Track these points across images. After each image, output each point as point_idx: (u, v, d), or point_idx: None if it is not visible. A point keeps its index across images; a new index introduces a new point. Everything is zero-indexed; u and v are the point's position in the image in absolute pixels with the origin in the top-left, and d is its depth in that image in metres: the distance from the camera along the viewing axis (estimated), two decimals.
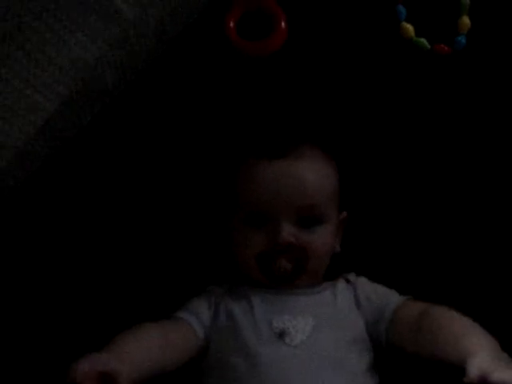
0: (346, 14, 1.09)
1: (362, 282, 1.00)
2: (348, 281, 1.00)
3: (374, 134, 1.09)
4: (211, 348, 0.94)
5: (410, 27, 1.08)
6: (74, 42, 0.90)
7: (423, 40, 1.08)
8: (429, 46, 1.08)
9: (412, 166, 1.09)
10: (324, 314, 0.93)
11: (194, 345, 0.93)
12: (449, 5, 1.08)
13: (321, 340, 0.90)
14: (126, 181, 1.08)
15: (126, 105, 1.07)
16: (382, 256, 1.06)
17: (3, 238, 1.04)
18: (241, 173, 0.98)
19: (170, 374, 0.92)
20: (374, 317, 0.95)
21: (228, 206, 1.00)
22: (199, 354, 0.94)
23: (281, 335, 0.90)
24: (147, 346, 0.86)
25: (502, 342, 0.83)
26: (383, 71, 1.10)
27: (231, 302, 0.95)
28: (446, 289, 1.05)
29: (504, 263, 1.06)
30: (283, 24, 1.09)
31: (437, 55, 1.08)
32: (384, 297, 0.96)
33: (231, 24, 1.09)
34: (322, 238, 0.96)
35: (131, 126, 1.09)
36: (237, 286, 0.98)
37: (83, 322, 1.03)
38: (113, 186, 1.08)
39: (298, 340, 0.90)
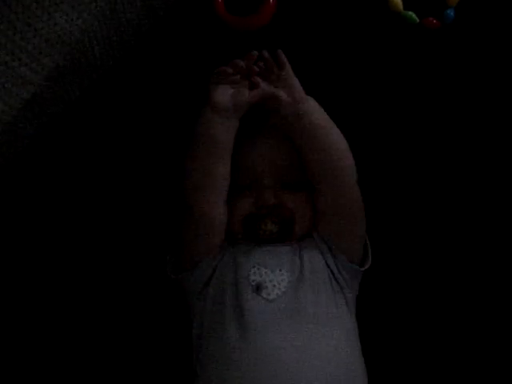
0: None
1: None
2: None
3: (362, 109, 1.09)
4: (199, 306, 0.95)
5: (398, 0, 1.08)
6: (59, 15, 0.89)
7: (412, 13, 1.08)
8: (417, 20, 1.08)
9: (398, 139, 1.09)
10: (300, 268, 0.94)
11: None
12: None
13: (297, 294, 0.92)
14: (116, 158, 1.08)
15: (115, 80, 1.07)
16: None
17: None
18: None
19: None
20: None
21: None
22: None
23: (258, 288, 0.91)
24: None
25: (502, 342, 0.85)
26: (372, 45, 1.09)
27: (221, 265, 0.96)
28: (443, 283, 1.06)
29: (502, 257, 1.07)
30: None
31: (426, 28, 1.08)
32: None
33: None
34: (306, 201, 0.97)
35: (120, 102, 1.08)
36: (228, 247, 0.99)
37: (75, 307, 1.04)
38: (102, 164, 1.08)
39: (275, 294, 0.91)
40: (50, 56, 0.91)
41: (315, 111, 0.95)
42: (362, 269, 0.98)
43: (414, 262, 1.07)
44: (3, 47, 0.87)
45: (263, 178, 0.96)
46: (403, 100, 1.10)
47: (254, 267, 0.93)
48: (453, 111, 1.10)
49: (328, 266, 0.95)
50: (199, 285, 0.96)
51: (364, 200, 1.05)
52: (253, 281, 0.92)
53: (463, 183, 1.09)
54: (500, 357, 1.03)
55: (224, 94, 0.93)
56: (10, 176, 1.04)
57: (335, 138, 0.95)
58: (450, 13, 1.08)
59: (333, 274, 0.95)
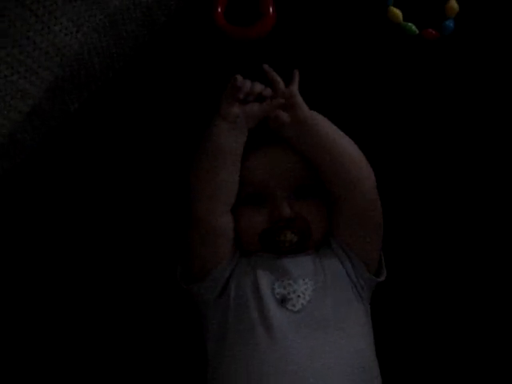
0: None
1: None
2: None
3: (361, 119, 1.09)
4: (215, 315, 0.95)
5: (397, 12, 1.08)
6: (58, 28, 0.90)
7: (411, 25, 1.08)
8: (417, 31, 1.08)
9: (399, 148, 1.09)
10: (323, 277, 0.94)
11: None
12: None
13: (322, 304, 0.91)
14: (116, 168, 1.08)
15: (114, 91, 1.07)
16: None
17: None
18: None
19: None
20: None
21: None
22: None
23: (283, 301, 0.91)
24: None
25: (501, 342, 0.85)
26: (371, 56, 1.09)
27: (238, 275, 0.96)
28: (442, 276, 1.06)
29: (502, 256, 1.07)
30: (271, 9, 1.09)
31: (425, 40, 1.08)
32: None
33: (219, 9, 1.09)
34: (321, 208, 0.97)
35: (119, 113, 1.08)
36: (241, 258, 0.98)
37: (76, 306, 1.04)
38: (102, 175, 1.08)
39: (300, 305, 0.91)
40: (49, 69, 0.92)
41: (321, 127, 0.95)
42: (379, 279, 0.98)
43: (419, 268, 1.07)
44: (2, 61, 0.87)
45: (276, 190, 0.95)
46: (403, 110, 1.10)
47: (277, 280, 0.93)
48: (453, 121, 1.09)
49: (348, 275, 0.95)
50: (212, 294, 0.95)
51: None
52: (277, 294, 0.92)
53: (462, 189, 1.09)
54: (506, 363, 1.03)
55: (235, 105, 0.93)
56: (10, 188, 1.04)
57: (346, 149, 0.95)
58: (450, 24, 1.08)
59: (352, 282, 0.95)
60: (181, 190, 1.00)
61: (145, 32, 1.06)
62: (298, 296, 0.91)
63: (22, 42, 0.88)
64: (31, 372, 1.03)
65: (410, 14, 1.08)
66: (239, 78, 0.93)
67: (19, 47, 0.87)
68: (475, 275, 1.06)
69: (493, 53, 1.09)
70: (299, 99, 0.95)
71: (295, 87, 0.96)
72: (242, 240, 0.98)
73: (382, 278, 0.98)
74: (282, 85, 0.96)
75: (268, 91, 0.95)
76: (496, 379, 1.03)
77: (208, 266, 0.95)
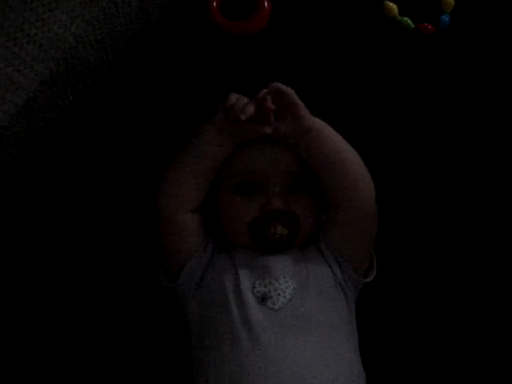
0: None
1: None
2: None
3: (358, 114, 1.09)
4: (198, 314, 0.94)
5: (393, 6, 1.08)
6: (53, 21, 0.89)
7: (407, 19, 1.08)
8: (413, 25, 1.08)
9: (395, 144, 1.09)
10: (305, 275, 0.94)
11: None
12: None
13: (302, 302, 0.91)
14: (110, 162, 1.08)
15: (109, 85, 1.07)
16: None
17: None
18: None
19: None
20: None
21: (217, 177, 1.00)
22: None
23: (263, 299, 0.91)
24: None
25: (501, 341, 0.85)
26: (367, 50, 1.09)
27: (217, 269, 0.95)
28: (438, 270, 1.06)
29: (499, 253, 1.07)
30: (267, 4, 1.09)
31: (421, 34, 1.08)
32: None
33: (214, 4, 1.09)
34: (312, 205, 0.97)
35: (114, 107, 1.08)
36: (220, 250, 0.98)
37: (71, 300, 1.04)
38: (96, 168, 1.07)
39: (280, 303, 0.90)
40: (43, 62, 0.91)
41: (325, 137, 0.94)
42: (366, 280, 0.97)
43: (412, 268, 1.07)
44: None
45: (271, 181, 0.95)
46: (399, 105, 1.10)
47: (258, 278, 0.92)
48: (449, 116, 1.09)
49: (334, 275, 0.95)
50: (190, 287, 0.95)
51: None
52: (258, 292, 0.91)
53: (460, 189, 1.08)
54: (501, 363, 1.03)
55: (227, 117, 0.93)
56: (5, 181, 1.03)
57: (349, 160, 0.94)
58: (446, 18, 1.08)
59: (338, 282, 0.94)
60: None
61: (140, 26, 1.06)
62: (279, 294, 0.91)
63: (17, 35, 0.87)
64: (29, 371, 1.02)
65: (406, 8, 1.08)
66: (232, 97, 0.93)
67: (13, 40, 0.87)
68: (469, 275, 1.06)
69: (489, 47, 1.09)
70: (303, 110, 0.93)
71: (293, 96, 0.93)
72: (229, 230, 0.97)
73: (370, 279, 0.98)
74: (288, 97, 0.93)
75: (271, 117, 0.92)
76: (489, 380, 1.03)
77: (181, 259, 0.95)
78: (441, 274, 1.06)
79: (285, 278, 0.92)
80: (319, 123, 0.94)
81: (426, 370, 1.04)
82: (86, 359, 1.03)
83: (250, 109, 0.91)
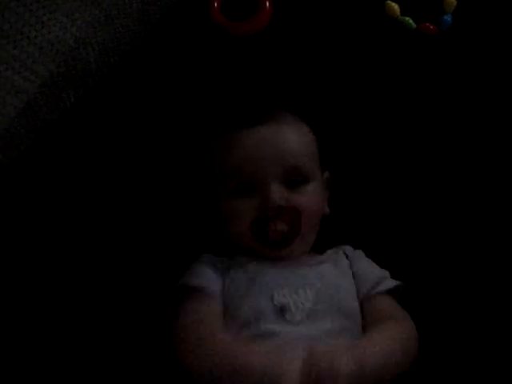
0: None
1: (359, 256, 1.00)
2: (346, 255, 1.00)
3: (359, 114, 1.09)
4: None
5: (395, 6, 1.08)
6: (53, 23, 0.89)
7: (408, 19, 1.08)
8: (414, 25, 1.08)
9: (395, 144, 1.09)
10: (324, 289, 0.92)
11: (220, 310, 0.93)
12: None
13: (321, 317, 0.90)
14: (112, 163, 1.07)
15: (110, 87, 1.07)
16: (370, 221, 1.06)
17: None
18: (221, 146, 0.98)
19: None
20: (363, 290, 0.95)
21: (213, 181, 1.00)
22: None
23: (282, 310, 0.89)
24: None
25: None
26: (369, 50, 1.09)
27: (232, 275, 0.94)
28: (434, 254, 1.05)
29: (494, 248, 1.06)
30: (268, 4, 1.09)
31: (422, 34, 1.08)
32: (379, 272, 0.98)
33: (215, 4, 1.09)
34: (311, 197, 0.96)
35: (115, 109, 1.08)
36: (235, 257, 0.97)
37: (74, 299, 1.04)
38: (97, 171, 1.07)
39: (299, 317, 0.89)
40: (43, 64, 0.91)
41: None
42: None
43: (413, 268, 1.06)
44: None
45: (266, 176, 0.94)
46: (400, 105, 1.09)
47: (277, 289, 0.91)
48: (450, 116, 1.09)
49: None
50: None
51: (364, 203, 1.06)
52: (277, 302, 0.90)
53: (460, 188, 1.08)
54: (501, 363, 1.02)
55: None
56: (5, 183, 1.03)
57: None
58: (447, 19, 1.08)
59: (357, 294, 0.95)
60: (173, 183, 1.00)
61: (141, 27, 1.05)
62: (297, 307, 0.90)
63: (17, 38, 0.87)
64: (29, 371, 1.02)
65: (408, 8, 1.08)
66: None
67: (14, 42, 0.87)
68: (469, 275, 1.05)
69: (491, 48, 1.09)
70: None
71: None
72: (231, 231, 0.97)
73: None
74: None
75: None
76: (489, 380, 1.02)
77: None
78: (441, 274, 1.06)
79: (304, 290, 0.91)
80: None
81: (426, 369, 1.03)
82: (86, 359, 1.03)
83: None
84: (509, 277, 1.04)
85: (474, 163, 1.08)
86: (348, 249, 1.01)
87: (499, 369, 1.00)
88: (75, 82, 1.01)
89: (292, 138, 0.96)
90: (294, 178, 0.95)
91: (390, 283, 0.96)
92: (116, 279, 1.05)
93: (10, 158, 1.01)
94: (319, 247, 1.01)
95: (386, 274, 0.98)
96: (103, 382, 1.01)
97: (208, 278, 0.94)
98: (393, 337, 0.87)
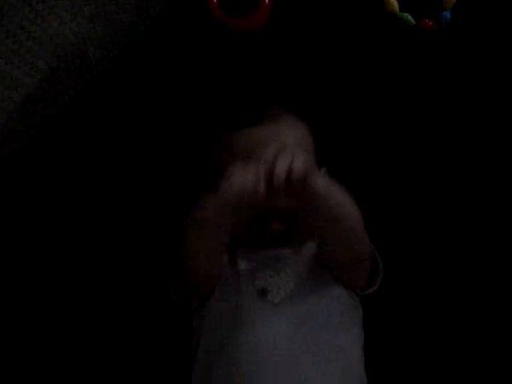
0: None
1: None
2: None
3: (358, 110, 1.09)
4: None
5: (394, 2, 1.08)
6: (52, 18, 0.89)
7: (408, 15, 1.08)
8: (413, 22, 1.08)
9: (395, 141, 1.09)
10: (306, 269, 0.93)
11: None
12: None
13: (302, 297, 0.90)
14: (111, 158, 1.08)
15: (109, 82, 1.07)
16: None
17: None
18: (219, 144, 0.98)
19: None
20: None
21: (212, 177, 1.00)
22: None
23: (263, 292, 0.90)
24: None
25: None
26: (368, 46, 1.09)
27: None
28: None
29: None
30: (267, 0, 1.09)
31: (422, 30, 1.08)
32: None
33: (214, 0, 1.09)
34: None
35: (115, 103, 1.08)
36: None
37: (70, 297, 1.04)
38: (96, 165, 1.07)
39: (280, 297, 0.90)
40: (43, 59, 0.91)
41: (331, 204, 0.86)
42: (364, 293, 0.95)
43: (413, 268, 1.06)
44: None
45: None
46: (400, 101, 1.09)
47: (258, 272, 0.92)
48: (449, 112, 1.09)
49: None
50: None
51: (364, 203, 1.06)
52: (258, 285, 0.91)
53: (460, 187, 1.08)
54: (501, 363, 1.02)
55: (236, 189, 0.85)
56: (4, 177, 1.03)
57: (352, 227, 0.88)
58: (446, 15, 1.08)
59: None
60: (171, 180, 1.01)
61: (140, 22, 1.06)
62: (279, 288, 0.90)
63: (17, 32, 0.87)
64: (30, 371, 1.03)
65: (407, 4, 1.08)
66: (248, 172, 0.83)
67: (13, 37, 0.87)
68: (469, 275, 1.05)
69: (489, 44, 1.09)
70: (314, 179, 0.83)
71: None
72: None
73: (374, 288, 0.94)
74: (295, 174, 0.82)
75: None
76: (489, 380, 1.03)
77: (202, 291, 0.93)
78: (441, 275, 1.06)
79: (286, 272, 0.92)
80: (328, 186, 0.85)
81: (426, 370, 1.04)
82: (86, 360, 1.03)
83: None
84: (509, 275, 1.04)
85: (473, 158, 1.08)
86: None
87: (499, 368, 1.00)
88: (74, 76, 1.01)
89: (288, 134, 0.96)
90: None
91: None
92: (111, 275, 1.05)
93: (10, 152, 1.01)
94: None
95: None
96: (102, 381, 1.02)
97: None
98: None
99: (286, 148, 0.82)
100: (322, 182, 0.83)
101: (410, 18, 1.08)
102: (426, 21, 1.08)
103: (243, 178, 0.81)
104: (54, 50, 0.92)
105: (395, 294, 1.04)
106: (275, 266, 0.92)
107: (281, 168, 0.79)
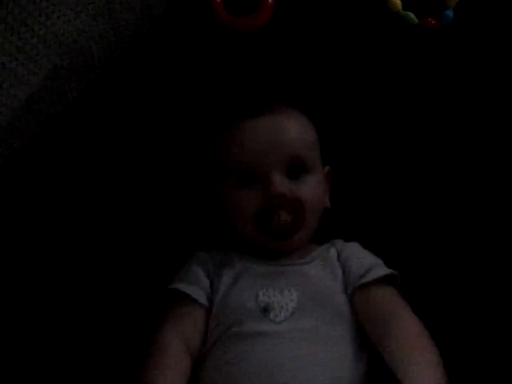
0: None
1: (350, 246, 0.99)
2: (336, 248, 0.99)
3: (360, 110, 1.09)
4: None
5: (397, 1, 1.08)
6: (57, 15, 0.89)
7: (410, 14, 1.08)
8: (416, 20, 1.08)
9: (397, 140, 1.09)
10: (310, 289, 0.92)
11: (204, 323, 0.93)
12: None
13: (305, 316, 0.89)
14: (114, 156, 1.08)
15: (113, 80, 1.07)
16: (368, 217, 1.07)
17: None
18: (223, 137, 0.99)
19: None
20: (350, 279, 0.95)
21: (216, 173, 1.00)
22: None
23: (265, 310, 0.90)
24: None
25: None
26: (371, 45, 1.10)
27: (220, 272, 0.95)
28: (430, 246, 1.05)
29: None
30: None
31: (424, 29, 1.08)
32: (368, 263, 0.96)
33: None
34: (313, 187, 0.96)
35: (118, 102, 1.08)
36: (225, 254, 0.98)
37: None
38: (99, 165, 1.07)
39: (282, 316, 0.89)
40: (47, 56, 0.91)
41: None
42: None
43: (413, 269, 1.06)
44: (0, 48, 0.86)
45: (267, 166, 0.93)
46: (402, 100, 1.10)
47: (262, 288, 0.91)
48: (451, 112, 1.09)
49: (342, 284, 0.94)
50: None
51: (363, 198, 1.06)
52: (261, 302, 0.90)
53: (460, 187, 1.08)
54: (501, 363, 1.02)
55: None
56: (7, 176, 1.03)
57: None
58: (449, 14, 1.08)
59: (346, 292, 0.94)
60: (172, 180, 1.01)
61: (143, 21, 1.06)
62: (282, 307, 0.90)
63: (21, 30, 0.87)
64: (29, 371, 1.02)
65: (410, 3, 1.08)
66: None
67: (17, 34, 0.87)
68: (469, 275, 1.05)
69: (492, 43, 1.09)
70: None
71: None
72: (235, 224, 0.97)
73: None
74: None
75: None
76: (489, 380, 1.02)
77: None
78: (442, 275, 1.06)
79: (290, 290, 0.92)
80: None
81: None
82: (86, 360, 1.03)
83: None
84: (509, 276, 1.04)
85: (474, 158, 1.08)
86: (338, 242, 1.01)
87: (499, 368, 1.00)
88: (78, 74, 1.01)
89: (293, 129, 0.96)
90: (296, 169, 0.95)
91: (381, 271, 0.94)
92: (110, 275, 1.05)
93: (13, 150, 1.01)
94: (317, 241, 1.01)
95: (379, 261, 0.96)
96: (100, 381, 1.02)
97: (196, 280, 0.95)
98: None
99: None
100: None
101: (412, 16, 1.08)
102: (429, 19, 1.08)
103: None
104: (58, 47, 0.92)
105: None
106: (280, 283, 0.92)
107: None
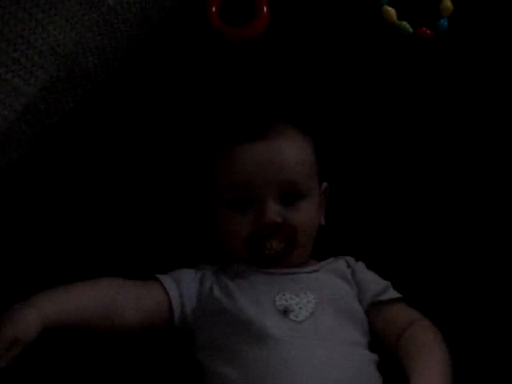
0: None
1: (363, 267, 0.99)
2: (348, 265, 0.99)
3: (356, 119, 1.09)
4: (202, 326, 0.93)
5: (392, 10, 1.09)
6: (52, 27, 0.90)
7: (405, 23, 1.08)
8: (411, 30, 1.08)
9: (393, 148, 1.09)
10: (325, 292, 0.93)
11: (161, 311, 0.94)
12: None
13: (324, 316, 0.90)
14: (111, 167, 1.08)
15: (109, 92, 1.07)
16: (367, 231, 1.06)
17: None
18: (219, 158, 0.98)
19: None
20: (366, 301, 0.95)
21: (210, 192, 1.00)
22: (165, 322, 0.94)
23: (285, 312, 0.90)
24: (92, 297, 0.91)
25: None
26: (366, 55, 1.10)
27: (226, 279, 0.94)
28: (430, 259, 1.05)
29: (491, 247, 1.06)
30: (265, 9, 1.09)
31: (419, 39, 1.08)
32: (384, 283, 0.97)
33: (213, 9, 1.09)
34: (308, 213, 0.95)
35: (114, 113, 1.08)
36: (231, 264, 0.97)
37: None
38: (96, 175, 1.07)
39: (303, 316, 0.89)
40: (43, 68, 0.92)
41: None
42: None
43: (414, 269, 1.06)
44: None
45: (262, 191, 0.93)
46: (397, 110, 1.10)
47: (278, 294, 0.91)
48: (447, 120, 1.09)
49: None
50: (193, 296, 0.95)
51: (361, 212, 1.06)
52: (279, 305, 0.90)
53: (460, 190, 1.08)
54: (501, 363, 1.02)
55: None
56: (4, 186, 1.03)
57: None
58: (444, 23, 1.09)
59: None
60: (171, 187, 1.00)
61: (139, 31, 1.06)
62: (300, 308, 0.90)
63: (17, 41, 0.88)
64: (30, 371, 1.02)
65: (405, 13, 1.09)
66: None
67: (14, 46, 0.87)
68: (469, 276, 1.05)
69: (487, 52, 1.09)
70: None
71: None
72: (227, 244, 0.97)
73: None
74: None
75: None
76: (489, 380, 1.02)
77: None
78: (441, 276, 1.06)
79: (305, 293, 0.92)
80: None
81: None
82: (86, 360, 1.02)
83: None
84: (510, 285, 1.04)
85: (473, 171, 1.08)
86: (350, 259, 1.00)
87: (499, 368, 1.00)
88: (74, 86, 1.02)
89: (289, 153, 0.95)
90: (291, 195, 0.94)
91: (396, 293, 0.96)
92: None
93: (9, 161, 1.02)
94: (315, 257, 1.01)
95: (389, 284, 0.98)
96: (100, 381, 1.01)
97: (177, 278, 0.95)
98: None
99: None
100: None
101: (407, 26, 1.08)
102: (424, 29, 1.08)
103: None
104: (54, 59, 0.92)
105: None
106: (295, 288, 0.92)
107: None
